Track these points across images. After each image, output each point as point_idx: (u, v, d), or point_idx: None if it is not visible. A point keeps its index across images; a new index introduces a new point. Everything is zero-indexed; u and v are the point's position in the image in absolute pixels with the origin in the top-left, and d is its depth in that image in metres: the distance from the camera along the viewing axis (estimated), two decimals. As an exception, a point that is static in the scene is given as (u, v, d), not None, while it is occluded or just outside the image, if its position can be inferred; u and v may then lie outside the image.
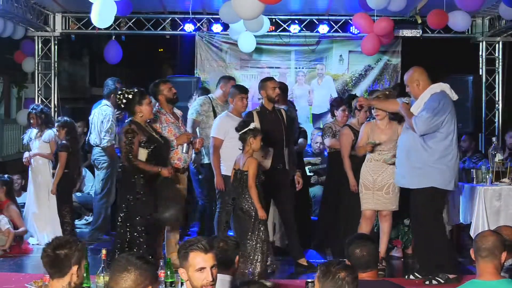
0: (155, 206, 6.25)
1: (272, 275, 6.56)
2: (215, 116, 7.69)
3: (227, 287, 4.10)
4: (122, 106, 6.42)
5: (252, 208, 6.20)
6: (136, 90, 6.44)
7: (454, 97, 6.55)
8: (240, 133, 6.31)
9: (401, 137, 6.65)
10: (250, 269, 6.07)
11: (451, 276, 6.29)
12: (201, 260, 3.65)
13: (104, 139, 8.49)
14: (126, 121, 6.47)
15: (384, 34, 9.25)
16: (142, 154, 6.26)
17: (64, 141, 8.23)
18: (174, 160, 6.80)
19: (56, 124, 8.43)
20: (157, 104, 7.01)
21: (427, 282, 6.26)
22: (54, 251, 3.57)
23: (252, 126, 6.27)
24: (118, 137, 8.18)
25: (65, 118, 8.58)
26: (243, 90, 7.33)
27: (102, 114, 8.55)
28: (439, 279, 6.27)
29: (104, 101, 8.71)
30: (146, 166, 6.25)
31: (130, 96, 6.35)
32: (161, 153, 6.46)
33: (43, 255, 3.64)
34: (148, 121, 6.56)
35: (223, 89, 7.94)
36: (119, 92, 6.49)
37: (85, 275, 3.75)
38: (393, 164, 6.79)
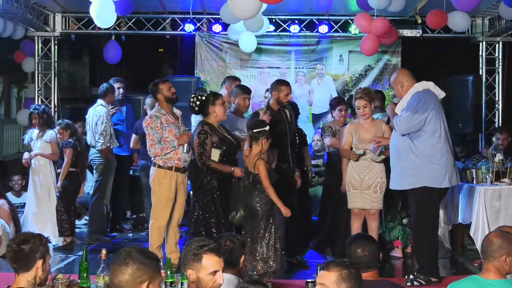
0: (227, 208, 6.40)
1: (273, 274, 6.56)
2: None
3: (232, 287, 4.09)
4: (196, 108, 6.54)
5: (263, 208, 6.21)
6: (209, 92, 6.70)
7: (441, 94, 6.53)
8: (254, 131, 6.28)
9: (391, 139, 6.66)
10: (270, 267, 6.12)
11: (433, 279, 6.29)
12: (215, 263, 3.64)
13: (98, 142, 8.48)
14: (198, 122, 6.58)
15: (381, 33, 9.23)
16: (215, 154, 6.38)
17: (70, 140, 8.27)
18: (174, 160, 6.80)
19: (58, 127, 8.43)
20: (156, 104, 7.02)
21: (408, 283, 6.25)
22: (19, 246, 3.63)
23: (267, 128, 6.29)
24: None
25: (66, 120, 8.57)
26: (246, 91, 7.36)
27: (96, 115, 8.55)
28: (420, 280, 6.27)
29: (99, 101, 8.69)
30: (219, 166, 6.39)
31: (204, 98, 6.51)
32: (232, 153, 6.57)
33: (8, 250, 3.70)
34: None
35: (229, 89, 7.94)
36: (192, 96, 6.61)
37: (50, 268, 3.81)
38: (381, 162, 6.83)
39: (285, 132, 7.13)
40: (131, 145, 9.21)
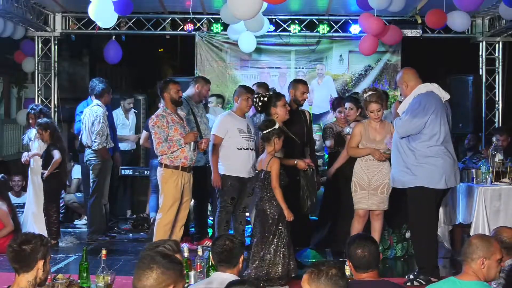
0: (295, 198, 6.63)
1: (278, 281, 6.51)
2: (194, 117, 7.78)
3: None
4: (259, 108, 6.85)
5: (274, 210, 6.15)
6: (271, 92, 6.97)
7: (445, 96, 6.50)
8: (264, 132, 6.28)
9: (393, 139, 6.67)
10: (272, 272, 6.06)
11: (433, 279, 6.28)
12: None
13: (94, 141, 8.40)
14: (264, 119, 6.79)
15: (376, 33, 9.22)
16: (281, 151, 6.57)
17: (50, 142, 8.19)
18: (181, 159, 6.83)
19: (37, 127, 8.32)
20: (162, 104, 7.05)
21: (408, 283, 6.25)
22: (20, 246, 3.63)
23: (276, 125, 6.31)
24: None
25: (45, 119, 8.46)
26: (250, 91, 7.40)
27: (92, 115, 8.45)
28: (420, 280, 6.26)
29: (96, 101, 8.62)
30: (283, 160, 6.53)
31: (266, 99, 6.81)
32: (296, 150, 6.80)
33: (9, 250, 3.68)
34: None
35: (199, 89, 7.94)
36: (255, 96, 6.92)
37: (50, 268, 3.77)
38: (388, 156, 6.84)
39: (302, 133, 7.29)
40: (141, 142, 9.15)
